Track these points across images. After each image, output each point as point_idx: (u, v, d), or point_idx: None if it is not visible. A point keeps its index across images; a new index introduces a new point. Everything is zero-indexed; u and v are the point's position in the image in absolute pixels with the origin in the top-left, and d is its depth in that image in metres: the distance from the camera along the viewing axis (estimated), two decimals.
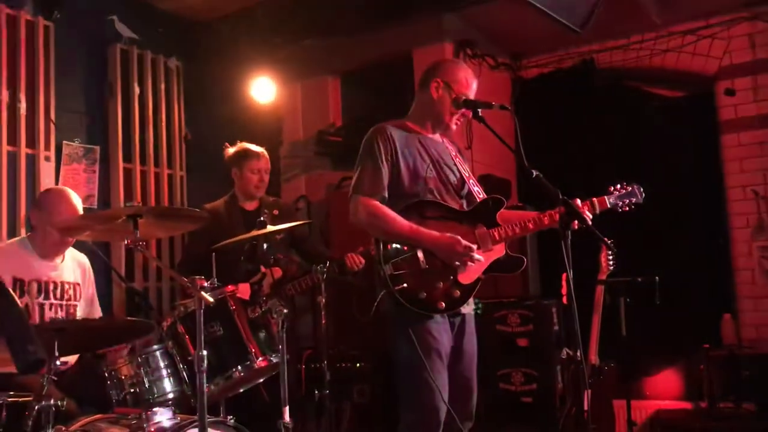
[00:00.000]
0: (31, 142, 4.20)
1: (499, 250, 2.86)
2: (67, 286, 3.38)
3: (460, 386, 2.85)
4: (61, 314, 3.31)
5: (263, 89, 5.48)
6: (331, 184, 5.71)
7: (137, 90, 4.82)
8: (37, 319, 3.21)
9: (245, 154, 4.17)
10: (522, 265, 2.89)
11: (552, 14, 4.13)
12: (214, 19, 5.11)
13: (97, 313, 3.55)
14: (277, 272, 3.86)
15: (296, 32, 5.09)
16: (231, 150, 4.22)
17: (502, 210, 2.90)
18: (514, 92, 5.96)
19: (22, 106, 4.14)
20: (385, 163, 2.83)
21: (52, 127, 4.29)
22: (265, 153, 4.24)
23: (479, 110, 2.89)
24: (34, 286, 3.25)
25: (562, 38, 5.37)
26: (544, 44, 5.69)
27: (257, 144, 4.29)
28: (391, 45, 5.39)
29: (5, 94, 4.07)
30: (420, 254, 2.75)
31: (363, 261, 3.90)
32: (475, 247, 2.75)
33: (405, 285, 2.71)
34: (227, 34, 5.10)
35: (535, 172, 2.64)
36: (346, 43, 5.43)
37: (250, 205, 4.20)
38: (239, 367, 2.75)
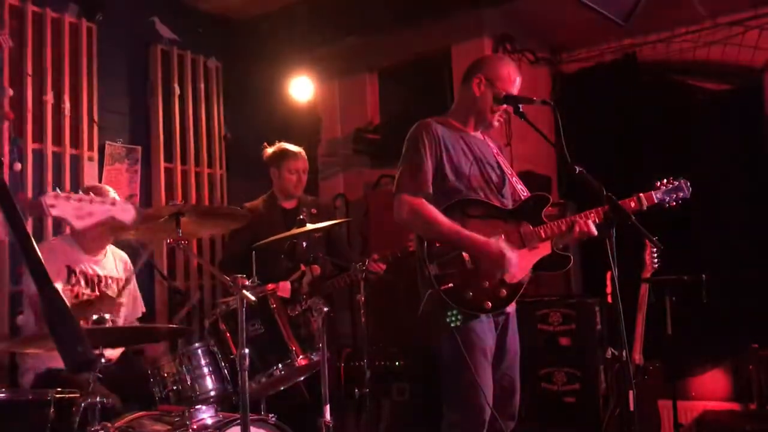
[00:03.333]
0: (75, 143, 4.27)
1: (545, 248, 2.82)
2: (110, 281, 3.44)
3: (504, 386, 2.83)
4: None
5: (302, 88, 5.49)
6: (369, 183, 5.70)
7: (178, 90, 4.88)
8: None
9: (283, 154, 4.19)
10: (568, 263, 2.85)
11: (595, 7, 4.04)
12: (253, 18, 5.14)
13: (141, 308, 3.61)
14: (316, 270, 3.86)
15: (335, 30, 5.09)
16: (269, 150, 4.25)
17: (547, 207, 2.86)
18: (554, 87, 5.87)
19: (67, 107, 4.22)
20: (430, 159, 2.80)
21: (95, 127, 4.37)
22: (303, 153, 4.25)
23: (520, 106, 2.86)
24: (81, 278, 3.32)
25: (603, 32, 5.27)
26: (585, 38, 5.59)
27: (296, 143, 4.30)
28: (429, 41, 5.35)
29: (50, 95, 4.15)
30: (465, 254, 2.71)
31: (383, 267, 3.88)
32: (515, 261, 2.70)
33: (451, 285, 2.67)
34: (266, 33, 5.13)
35: (578, 168, 2.59)
36: (385, 40, 5.40)
37: (289, 204, 4.22)
38: (280, 366, 2.76)
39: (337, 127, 6.05)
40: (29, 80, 4.08)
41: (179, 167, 4.86)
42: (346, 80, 5.95)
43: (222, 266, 4.29)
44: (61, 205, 1.57)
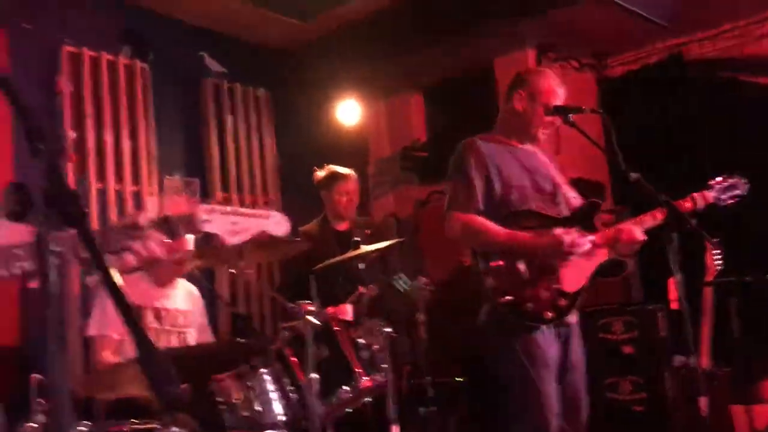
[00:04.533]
0: (136, 179, 4.43)
1: (602, 255, 2.80)
2: (179, 314, 3.53)
3: (570, 398, 2.80)
4: (174, 340, 3.46)
5: (348, 111, 5.59)
6: (419, 200, 5.74)
7: (230, 122, 5.02)
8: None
9: (334, 177, 4.25)
10: (626, 268, 2.83)
11: (637, 11, 4.02)
12: (297, 47, 5.26)
13: (208, 338, 3.70)
14: (374, 291, 3.90)
15: (377, 52, 5.16)
16: (320, 174, 4.31)
17: (600, 214, 2.86)
18: (600, 92, 5.82)
19: (126, 146, 4.39)
20: (477, 176, 2.83)
21: (154, 163, 4.53)
22: (354, 174, 4.30)
23: (570, 116, 2.87)
24: (150, 313, 3.42)
25: (647, 33, 5.21)
26: (629, 41, 5.53)
27: (346, 165, 4.36)
28: (471, 56, 5.37)
29: (109, 135, 4.32)
30: (521, 264, 2.72)
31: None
32: (577, 237, 2.69)
33: (509, 297, 2.68)
34: (310, 60, 5.24)
35: (634, 175, 2.59)
36: (427, 58, 5.45)
37: (342, 226, 4.27)
38: (346, 388, 2.80)
39: (385, 147, 6.11)
40: (89, 122, 4.25)
41: (235, 196, 4.99)
42: (392, 100, 6.01)
43: (281, 290, 4.37)
44: (216, 220, 1.47)
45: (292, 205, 5.30)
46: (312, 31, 5.12)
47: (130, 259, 1.37)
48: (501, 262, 2.73)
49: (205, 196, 4.84)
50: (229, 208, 1.52)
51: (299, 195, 5.21)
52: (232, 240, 1.49)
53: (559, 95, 2.96)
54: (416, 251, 5.50)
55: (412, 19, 4.96)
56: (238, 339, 3.10)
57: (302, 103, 5.43)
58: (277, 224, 1.56)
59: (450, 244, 2.91)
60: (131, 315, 1.04)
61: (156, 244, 1.37)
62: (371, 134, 6.12)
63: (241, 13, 4.82)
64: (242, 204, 5.03)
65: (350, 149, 5.58)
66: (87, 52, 4.31)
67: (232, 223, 1.48)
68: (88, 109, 4.27)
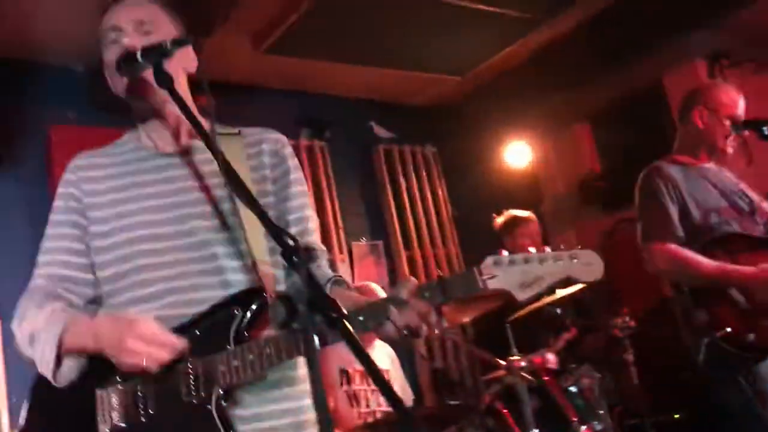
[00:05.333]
0: (328, 249, 4.71)
1: None
2: (383, 373, 3.68)
3: None
4: (382, 400, 3.59)
5: (516, 153, 5.60)
6: (604, 231, 5.56)
7: (403, 182, 5.23)
8: (363, 405, 3.52)
9: (514, 222, 4.25)
10: None
11: None
12: (457, 100, 5.40)
13: (409, 395, 3.80)
14: (574, 333, 3.81)
15: (539, 91, 5.16)
16: (499, 220, 4.33)
17: None
18: None
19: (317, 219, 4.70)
20: (670, 202, 2.74)
21: (342, 233, 4.80)
22: (533, 216, 4.27)
23: (765, 129, 2.72)
24: (357, 375, 3.58)
25: None
26: None
27: (520, 207, 4.35)
28: (638, 76, 5.20)
29: None
30: (735, 293, 2.56)
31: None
32: None
33: (728, 329, 2.53)
34: (472, 111, 5.34)
35: None
36: (591, 87, 5.34)
37: None
38: None
39: (557, 183, 6.03)
40: None
41: (418, 252, 5.14)
42: (559, 135, 5.95)
43: (476, 343, 4.38)
44: (504, 273, 1.27)
45: (471, 255, 5.34)
46: (469, 83, 5.23)
47: (390, 329, 1.29)
48: (712, 293, 2.59)
49: (390, 256, 5.03)
50: (519, 256, 1.28)
51: (478, 243, 5.24)
52: (524, 294, 1.27)
53: (741, 106, 2.83)
54: (610, 286, 5.30)
55: (572, 51, 4.91)
56: (448, 400, 3.15)
57: (469, 152, 5.53)
58: (588, 267, 1.28)
59: (646, 274, 2.81)
60: (384, 382, 1.08)
61: (420, 314, 1.27)
62: (542, 172, 6.07)
63: (400, 80, 5.05)
64: (425, 260, 5.16)
65: (522, 190, 5.56)
66: None
67: (523, 273, 1.26)
68: None
